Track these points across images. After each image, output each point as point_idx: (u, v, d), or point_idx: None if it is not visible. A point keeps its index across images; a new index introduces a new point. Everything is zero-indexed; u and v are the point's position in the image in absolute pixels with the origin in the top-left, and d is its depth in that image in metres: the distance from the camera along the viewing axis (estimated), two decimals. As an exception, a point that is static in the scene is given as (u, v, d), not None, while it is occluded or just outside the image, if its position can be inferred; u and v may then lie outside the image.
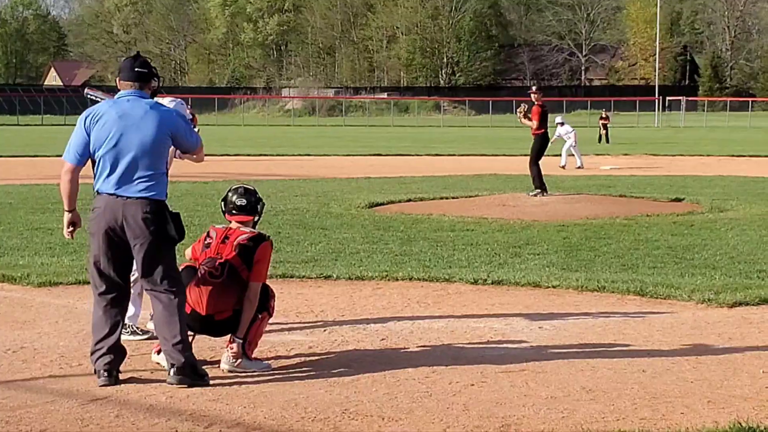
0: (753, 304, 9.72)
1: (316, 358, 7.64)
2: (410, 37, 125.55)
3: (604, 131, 50.91)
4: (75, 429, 5.92)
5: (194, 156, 7.70)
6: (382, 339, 8.28)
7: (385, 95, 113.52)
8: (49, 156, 37.50)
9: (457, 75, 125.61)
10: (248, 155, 39.94)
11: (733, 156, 40.65)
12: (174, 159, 8.07)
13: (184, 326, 6.86)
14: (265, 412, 6.25)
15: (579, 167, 31.64)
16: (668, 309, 9.60)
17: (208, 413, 6.22)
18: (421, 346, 8.04)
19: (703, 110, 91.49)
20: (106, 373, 6.81)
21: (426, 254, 12.98)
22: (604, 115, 52.80)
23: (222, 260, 7.21)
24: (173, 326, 6.78)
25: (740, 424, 5.82)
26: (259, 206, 7.51)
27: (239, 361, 7.18)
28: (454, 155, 40.49)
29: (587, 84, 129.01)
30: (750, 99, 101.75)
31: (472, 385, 6.89)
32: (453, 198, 20.77)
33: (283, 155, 40.23)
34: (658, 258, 12.78)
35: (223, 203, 7.55)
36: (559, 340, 8.28)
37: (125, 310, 7.13)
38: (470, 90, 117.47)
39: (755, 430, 5.74)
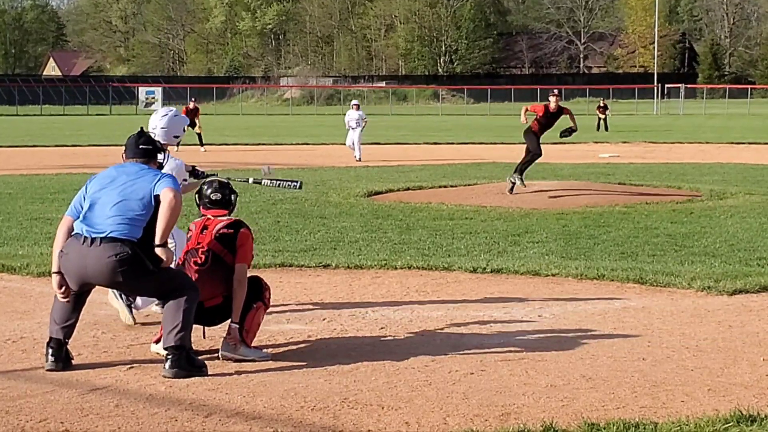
0: (753, 292, 9.71)
1: (316, 347, 7.63)
2: (408, 25, 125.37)
3: (603, 118, 50.72)
4: (75, 419, 5.92)
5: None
6: (381, 328, 8.27)
7: (383, 84, 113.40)
8: (48, 146, 37.54)
9: (456, 63, 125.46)
10: (247, 144, 39.91)
11: (732, 143, 40.62)
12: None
13: (189, 319, 6.85)
14: (264, 401, 6.25)
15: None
16: (668, 297, 9.59)
17: (207, 402, 6.22)
18: (421, 335, 8.03)
19: (702, 98, 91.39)
20: (53, 357, 6.90)
21: (425, 243, 12.97)
22: (602, 104, 52.58)
23: (204, 249, 7.27)
24: (177, 316, 6.82)
25: (741, 411, 5.82)
26: (233, 198, 7.59)
27: (239, 347, 7.17)
28: (452, 143, 40.46)
29: (586, 72, 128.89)
30: (749, 86, 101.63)
31: (472, 373, 6.89)
32: (452, 186, 20.75)
33: (281, 144, 40.22)
34: (658, 246, 12.77)
35: (197, 197, 7.60)
36: (558, 328, 8.28)
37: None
38: (468, 78, 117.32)
39: (756, 418, 5.74)
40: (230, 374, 6.85)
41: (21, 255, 11.70)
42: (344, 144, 31.31)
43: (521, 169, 18.92)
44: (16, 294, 9.69)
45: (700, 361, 7.24)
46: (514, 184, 18.59)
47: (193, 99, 39.14)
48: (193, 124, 33.76)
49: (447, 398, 6.31)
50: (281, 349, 7.55)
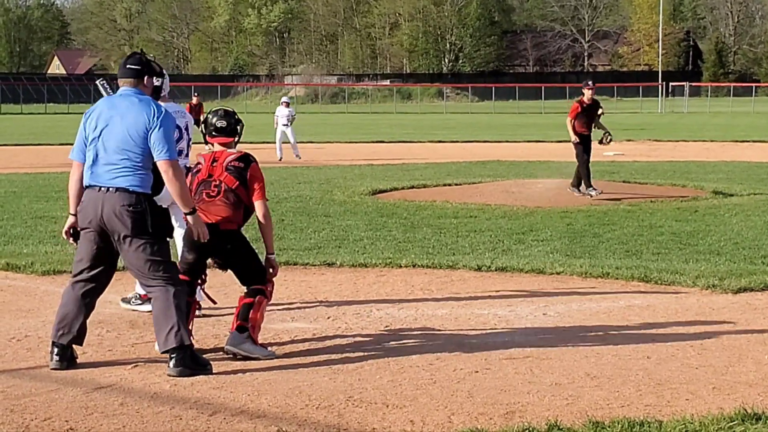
0: (758, 290, 9.70)
1: (320, 345, 7.63)
2: (413, 23, 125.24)
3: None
4: (79, 417, 5.92)
5: (164, 174, 6.79)
6: (386, 326, 8.28)
7: (387, 82, 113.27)
8: (52, 144, 37.52)
9: (460, 61, 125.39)
10: (251, 143, 39.66)
11: (736, 141, 40.57)
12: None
13: (182, 315, 6.79)
14: (269, 399, 6.25)
15: None
16: (672, 295, 9.59)
17: (212, 401, 6.22)
18: (425, 333, 8.03)
19: (707, 96, 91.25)
20: (57, 357, 6.85)
21: (429, 241, 12.97)
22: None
23: (216, 181, 7.37)
24: (170, 317, 6.71)
25: (745, 410, 5.81)
26: (238, 127, 7.66)
27: (244, 343, 7.16)
28: (457, 142, 40.44)
29: (590, 70, 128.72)
30: (754, 84, 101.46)
31: (477, 372, 6.88)
32: (456, 185, 20.75)
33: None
34: (662, 244, 12.76)
35: (203, 126, 7.66)
36: (563, 326, 8.28)
37: (96, 300, 7.08)
38: (473, 76, 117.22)
39: (760, 417, 5.73)
40: (235, 372, 6.85)
41: (26, 254, 11.72)
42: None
43: (587, 177, 17.93)
44: (20, 292, 9.70)
45: (705, 360, 7.23)
46: (591, 195, 17.68)
47: (196, 94, 38.42)
48: (197, 122, 33.68)
49: (452, 397, 6.31)
50: (286, 348, 7.55)
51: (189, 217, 6.85)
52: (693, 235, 13.45)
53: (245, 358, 7.13)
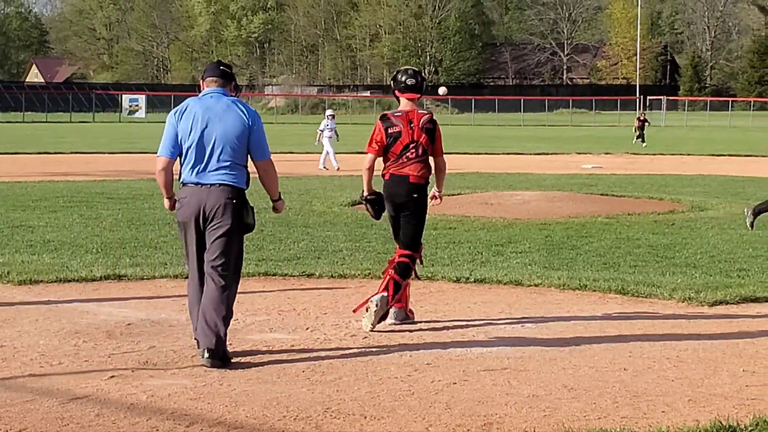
0: (733, 303, 9.76)
1: (298, 356, 7.63)
2: (394, 35, 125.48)
3: (640, 131, 48.86)
4: (55, 428, 5.89)
5: (264, 172, 7.59)
6: (365, 337, 8.27)
7: (368, 93, 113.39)
8: (30, 153, 37.39)
9: (441, 74, 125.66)
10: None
11: (713, 155, 40.81)
12: None
13: (229, 315, 7.29)
14: (246, 410, 6.24)
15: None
16: (649, 307, 9.63)
17: (189, 412, 6.20)
18: (404, 345, 8.04)
19: (684, 110, 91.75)
20: (207, 353, 7.19)
21: (408, 253, 12.95)
22: (641, 117, 50.54)
23: (415, 143, 8.54)
24: (219, 313, 7.20)
25: (720, 422, 5.84)
26: (423, 85, 8.71)
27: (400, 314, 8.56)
28: (436, 154, 40.42)
29: (569, 83, 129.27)
30: (730, 99, 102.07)
31: (455, 383, 6.89)
32: (435, 196, 20.73)
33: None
34: (640, 257, 12.81)
35: (393, 82, 8.76)
36: (541, 338, 8.30)
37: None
38: (453, 88, 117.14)
39: (735, 429, 5.76)
40: (212, 383, 6.83)
41: (2, 263, 11.64)
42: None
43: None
44: (-3, 302, 9.64)
45: (681, 372, 7.27)
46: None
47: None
48: None
49: (429, 408, 6.32)
50: (264, 358, 7.54)
51: (277, 204, 7.82)
52: (670, 248, 13.51)
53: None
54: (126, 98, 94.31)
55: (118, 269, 11.13)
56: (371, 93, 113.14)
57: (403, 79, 8.68)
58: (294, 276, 11.06)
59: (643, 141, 48.47)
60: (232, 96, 7.53)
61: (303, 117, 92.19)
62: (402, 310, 8.71)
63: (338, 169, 29.83)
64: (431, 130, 8.61)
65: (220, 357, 7.16)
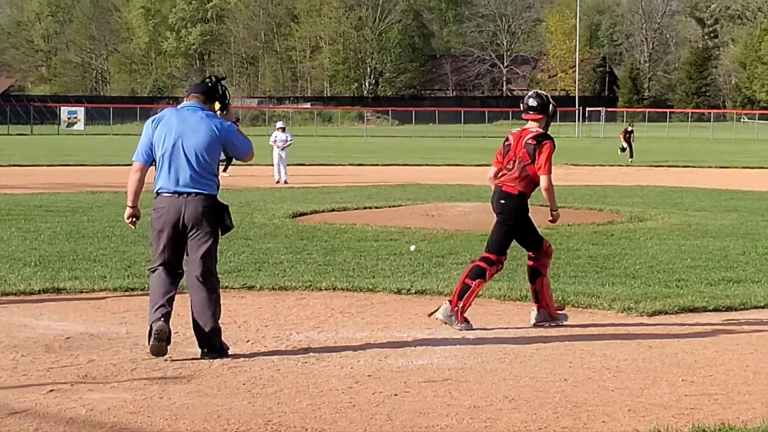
0: (672, 313, 9.88)
1: (239, 369, 7.59)
2: (334, 47, 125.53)
3: (627, 144, 45.54)
4: (-8, 444, 5.81)
5: (246, 160, 8.30)
6: (305, 349, 8.25)
7: (308, 105, 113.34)
8: (-34, 166, 36.87)
9: (381, 85, 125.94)
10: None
11: (651, 166, 41.28)
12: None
13: (218, 311, 7.76)
14: (187, 424, 6.20)
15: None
16: (589, 318, 9.71)
17: (128, 426, 6.15)
18: (345, 357, 8.03)
19: (623, 121, 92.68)
20: (156, 335, 7.61)
21: (350, 264, 12.97)
22: (629, 128, 47.23)
23: (516, 159, 9.01)
24: (213, 314, 7.71)
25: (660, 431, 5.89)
26: (550, 108, 9.07)
27: (454, 320, 8.88)
28: (377, 165, 40.56)
29: (509, 95, 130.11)
30: (668, 110, 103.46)
31: (396, 395, 6.90)
32: (376, 208, 20.80)
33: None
34: (579, 267, 12.91)
35: (521, 104, 9.21)
36: (481, 349, 8.33)
37: (176, 288, 7.85)
38: (393, 100, 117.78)
39: (674, 437, 5.82)
40: (152, 397, 6.78)
41: (-62, 277, 11.47)
42: (287, 165, 31.14)
43: None
44: (-68, 317, 9.48)
45: (621, 382, 7.33)
46: None
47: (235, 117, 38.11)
48: None
49: (371, 420, 6.32)
50: (204, 371, 7.49)
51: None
52: (609, 259, 13.64)
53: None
54: (64, 110, 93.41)
55: (56, 282, 11.01)
56: (312, 105, 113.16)
57: (528, 101, 9.16)
58: (235, 288, 11.01)
59: (631, 156, 44.87)
60: (208, 111, 7.92)
61: (243, 129, 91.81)
62: (543, 311, 9.25)
63: (285, 182, 29.65)
64: (532, 146, 8.99)
65: (218, 350, 7.79)
